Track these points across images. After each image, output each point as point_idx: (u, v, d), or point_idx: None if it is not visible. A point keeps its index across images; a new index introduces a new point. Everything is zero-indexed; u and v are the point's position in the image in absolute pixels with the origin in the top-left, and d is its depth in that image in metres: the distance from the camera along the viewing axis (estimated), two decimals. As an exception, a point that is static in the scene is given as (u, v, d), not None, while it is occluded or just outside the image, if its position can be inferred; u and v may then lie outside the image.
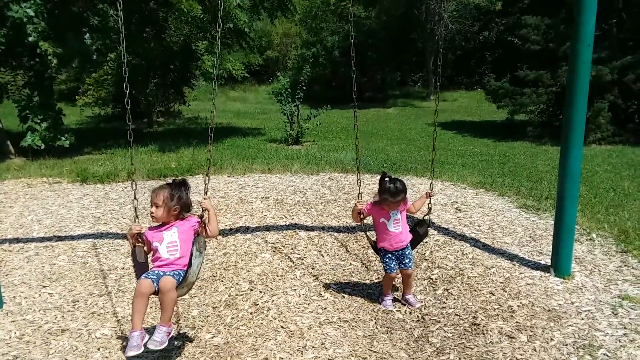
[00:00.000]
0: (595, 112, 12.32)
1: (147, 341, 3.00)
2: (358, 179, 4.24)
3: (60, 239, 5.38)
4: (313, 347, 3.39)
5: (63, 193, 7.13)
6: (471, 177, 7.97)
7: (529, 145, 13.05)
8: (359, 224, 4.13)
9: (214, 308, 4.05)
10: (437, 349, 3.50)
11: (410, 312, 4.03)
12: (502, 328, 3.64)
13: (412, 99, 26.41)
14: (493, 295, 4.09)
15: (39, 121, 10.37)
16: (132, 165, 3.76)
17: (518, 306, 3.90)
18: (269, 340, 3.49)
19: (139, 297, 2.98)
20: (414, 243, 4.12)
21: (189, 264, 3.09)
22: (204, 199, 3.20)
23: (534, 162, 10.08)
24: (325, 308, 3.93)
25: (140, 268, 3.21)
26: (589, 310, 3.81)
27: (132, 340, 2.95)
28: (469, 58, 28.92)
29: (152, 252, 3.19)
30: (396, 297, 4.23)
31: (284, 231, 5.41)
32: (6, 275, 4.59)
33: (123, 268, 4.72)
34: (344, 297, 4.18)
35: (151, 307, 3.85)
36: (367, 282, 4.52)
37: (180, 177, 3.34)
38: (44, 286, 4.39)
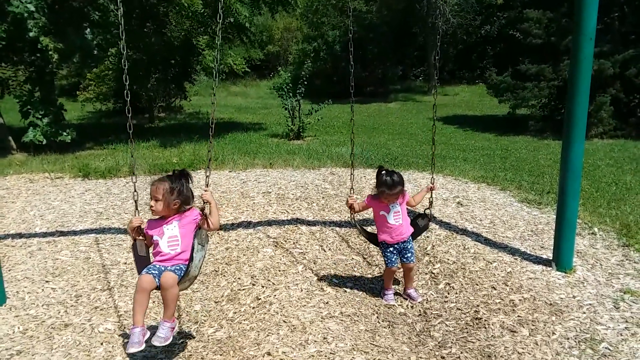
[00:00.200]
0: (597, 106, 12.29)
1: (151, 337, 2.99)
2: (351, 173, 4.30)
3: (62, 234, 5.40)
4: (315, 341, 3.41)
5: (65, 188, 7.14)
6: (473, 171, 7.96)
7: (531, 139, 13.03)
8: (355, 214, 4.15)
9: (216, 303, 4.06)
10: (439, 343, 3.51)
11: (412, 307, 4.04)
12: (503, 322, 3.65)
13: (413, 93, 26.34)
14: (495, 289, 4.10)
15: (40, 116, 10.36)
16: (131, 158, 3.71)
17: (520, 300, 3.90)
18: (271, 334, 3.51)
19: (140, 293, 2.95)
20: (414, 235, 4.13)
21: (191, 258, 3.04)
22: (205, 191, 3.16)
23: (536, 157, 10.07)
24: (327, 302, 3.94)
25: (142, 262, 3.17)
26: (590, 304, 3.82)
27: (134, 337, 2.93)
28: (471, 52, 28.81)
29: (152, 246, 3.16)
30: (398, 291, 4.24)
31: (286, 226, 5.42)
32: (9, 270, 4.61)
33: (125, 263, 4.73)
34: (345, 291, 4.19)
35: (153, 302, 3.87)
36: (369, 276, 4.53)
37: (180, 168, 3.29)
38: (46, 281, 4.40)
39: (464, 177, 7.50)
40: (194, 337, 3.59)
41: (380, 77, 26.08)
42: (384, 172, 3.88)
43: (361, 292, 4.21)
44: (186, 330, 3.70)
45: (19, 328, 3.69)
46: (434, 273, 4.50)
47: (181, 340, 3.55)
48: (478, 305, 3.89)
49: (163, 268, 3.02)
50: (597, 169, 8.67)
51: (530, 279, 4.23)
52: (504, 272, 4.35)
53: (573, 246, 4.41)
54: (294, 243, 5.04)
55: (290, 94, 12.87)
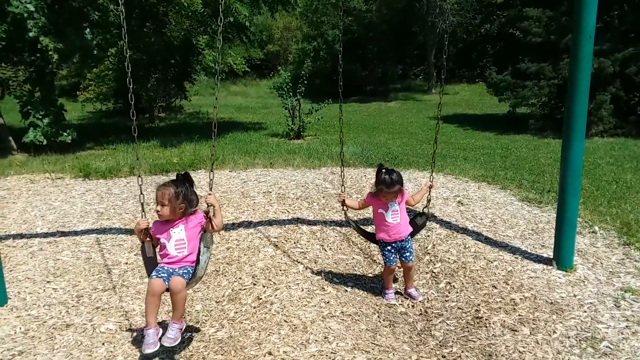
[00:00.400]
0: (597, 104, 12.30)
1: (161, 337, 3.10)
2: (342, 171, 4.39)
3: (63, 234, 5.40)
4: (316, 340, 3.41)
5: (66, 189, 7.15)
6: (473, 170, 7.96)
7: (531, 138, 13.04)
8: (347, 210, 4.24)
9: (217, 302, 4.07)
10: (439, 342, 3.52)
11: (412, 306, 4.04)
12: (504, 321, 3.65)
13: (413, 92, 26.35)
14: (495, 288, 4.10)
15: (40, 117, 10.37)
16: (137, 161, 3.83)
17: (520, 299, 3.91)
18: (272, 334, 3.51)
19: (151, 296, 3.07)
20: (412, 233, 4.14)
21: (197, 261, 3.16)
22: (209, 194, 3.24)
23: (536, 155, 10.08)
24: (328, 302, 3.94)
25: (150, 263, 3.28)
26: (591, 303, 3.82)
27: (149, 338, 3.05)
28: (471, 51, 28.80)
29: (159, 246, 3.25)
30: (399, 290, 4.24)
31: (287, 226, 5.42)
32: (10, 271, 4.61)
33: (127, 263, 4.74)
34: (346, 291, 4.20)
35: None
36: (370, 275, 4.54)
37: (182, 172, 3.38)
38: (48, 281, 4.41)
39: (465, 176, 7.50)
40: (195, 337, 3.60)
41: (380, 76, 26.10)
42: (383, 170, 3.89)
43: (362, 292, 4.22)
44: (187, 330, 3.70)
45: (20, 328, 3.69)
46: (434, 272, 4.50)
47: (182, 341, 3.55)
48: (479, 304, 3.90)
49: (171, 270, 3.13)
50: (597, 167, 8.68)
51: (531, 277, 4.23)
52: (505, 271, 4.35)
53: (574, 245, 4.41)
54: (294, 243, 5.04)
55: (291, 94, 12.87)
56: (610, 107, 12.55)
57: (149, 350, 3.02)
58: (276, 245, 4.96)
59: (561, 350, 3.29)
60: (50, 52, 9.76)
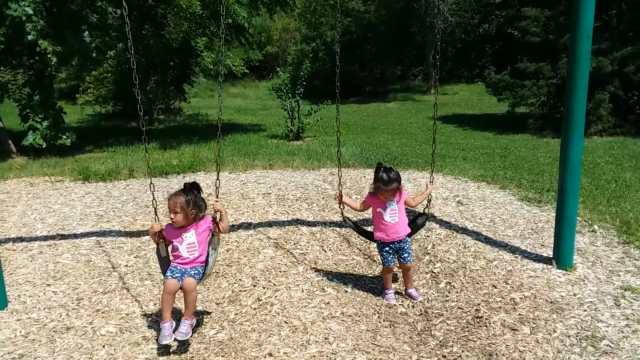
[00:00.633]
0: (596, 103, 12.30)
1: (174, 331, 3.38)
2: (339, 169, 4.51)
3: (63, 237, 5.40)
4: (316, 341, 3.41)
5: (65, 191, 7.15)
6: (472, 170, 7.97)
7: (530, 137, 13.04)
8: (343, 208, 4.33)
9: (217, 304, 4.07)
10: (440, 342, 3.52)
11: (413, 306, 4.05)
12: (504, 320, 3.65)
13: (412, 93, 26.34)
14: (495, 288, 4.10)
15: (39, 120, 10.37)
16: (148, 169, 4.19)
17: (520, 298, 3.91)
18: (272, 335, 3.51)
19: (167, 294, 3.40)
20: (410, 232, 4.14)
21: (206, 262, 3.52)
22: (216, 201, 3.60)
23: (535, 155, 10.08)
24: (328, 303, 3.94)
25: (164, 262, 3.60)
26: (591, 302, 3.82)
27: (164, 331, 3.36)
28: (469, 51, 28.80)
29: (172, 248, 3.55)
30: (399, 290, 4.25)
31: (286, 227, 5.42)
32: (10, 274, 4.61)
33: (126, 265, 4.74)
34: (346, 291, 4.20)
35: (154, 304, 3.87)
36: (370, 276, 4.54)
37: (191, 181, 3.65)
38: (48, 284, 4.40)
39: (464, 176, 7.50)
40: (196, 339, 3.60)
41: (379, 77, 26.11)
42: (381, 168, 3.92)
43: (362, 292, 4.22)
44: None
45: (20, 332, 3.69)
46: (434, 272, 4.50)
47: (182, 342, 3.55)
48: (479, 304, 3.90)
49: (184, 270, 3.46)
50: (596, 166, 8.68)
51: (531, 277, 4.23)
52: (505, 271, 4.35)
53: (573, 244, 4.41)
54: (294, 244, 5.04)
55: (289, 95, 12.86)
56: (609, 106, 12.55)
57: (164, 341, 3.33)
58: (276, 247, 4.96)
59: (561, 349, 3.29)
60: (49, 55, 9.76)
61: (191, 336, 3.46)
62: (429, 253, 4.84)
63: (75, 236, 5.42)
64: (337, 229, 5.43)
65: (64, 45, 10.02)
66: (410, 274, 4.17)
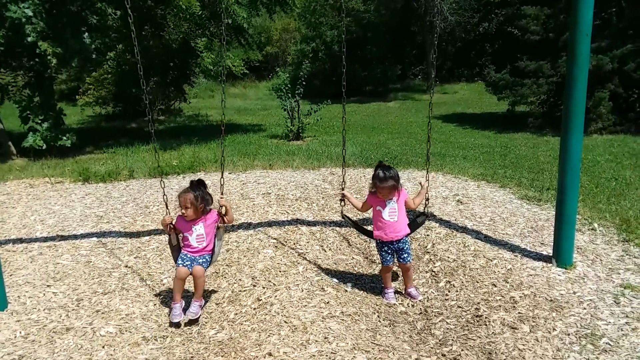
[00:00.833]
0: (596, 101, 12.28)
1: (185, 312, 3.80)
2: (342, 169, 4.51)
3: (63, 238, 5.41)
4: (316, 341, 3.41)
5: (65, 193, 7.16)
6: (472, 169, 7.96)
7: (530, 136, 13.02)
8: (344, 205, 4.41)
9: (217, 304, 4.07)
10: (439, 340, 3.52)
11: (412, 305, 4.05)
12: (504, 319, 3.65)
13: (412, 92, 26.31)
14: (495, 286, 4.10)
15: (40, 121, 10.38)
16: (158, 168, 4.46)
17: (520, 297, 3.91)
18: (272, 335, 3.51)
19: (178, 280, 3.82)
20: (410, 231, 4.14)
21: (213, 251, 3.96)
22: (221, 197, 3.95)
23: (535, 153, 10.07)
24: (328, 302, 3.94)
25: (175, 250, 4.00)
26: (591, 300, 3.82)
27: (175, 310, 3.78)
28: (469, 50, 28.79)
29: (182, 238, 3.96)
30: (398, 290, 4.25)
31: (286, 227, 5.42)
32: (10, 275, 4.61)
33: (126, 266, 4.74)
34: (346, 291, 4.20)
35: (154, 304, 3.86)
36: (370, 275, 4.54)
37: (197, 179, 4.00)
38: (48, 285, 4.41)
39: (464, 175, 7.50)
40: (196, 339, 3.60)
41: (379, 77, 26.04)
42: (380, 166, 3.94)
43: (362, 292, 4.22)
44: (187, 332, 3.71)
45: (20, 332, 3.69)
46: (434, 271, 4.50)
47: (182, 342, 3.56)
48: (479, 303, 3.90)
49: (193, 257, 3.88)
50: (596, 164, 8.67)
51: (531, 275, 4.23)
52: (504, 269, 4.35)
53: (573, 242, 4.41)
54: (294, 243, 5.04)
55: (289, 95, 12.85)
56: (609, 104, 12.53)
57: (176, 320, 3.75)
58: (276, 247, 4.96)
59: (561, 348, 3.29)
60: (49, 57, 9.76)
61: (199, 315, 3.83)
62: (428, 252, 4.84)
63: (75, 237, 5.43)
64: (337, 228, 5.43)
65: (63, 46, 10.01)
66: (410, 274, 4.17)
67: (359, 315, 3.80)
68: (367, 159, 8.61)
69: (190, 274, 3.86)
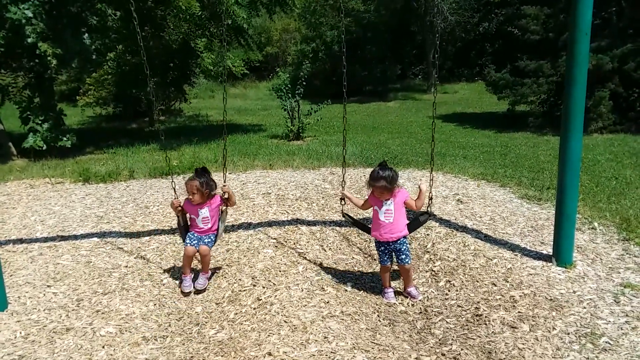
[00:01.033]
0: (596, 101, 12.27)
1: (194, 283, 4.29)
2: (342, 169, 4.58)
3: (63, 238, 5.41)
4: (316, 340, 3.41)
5: (65, 193, 7.16)
6: (472, 168, 7.96)
7: (531, 135, 13.02)
8: (345, 204, 4.53)
9: (217, 304, 4.07)
10: (439, 340, 3.52)
11: (412, 304, 4.05)
12: (504, 318, 3.65)
13: (412, 92, 26.29)
14: (495, 285, 4.10)
15: (40, 122, 10.39)
16: (167, 162, 5.05)
17: (520, 296, 3.91)
18: (272, 334, 3.51)
19: (186, 257, 4.27)
20: (411, 228, 4.14)
21: (217, 231, 4.40)
22: (224, 185, 4.38)
23: (536, 153, 10.07)
24: (327, 302, 3.94)
25: (183, 229, 4.42)
26: (591, 299, 3.82)
27: (185, 282, 4.28)
28: (469, 49, 28.77)
29: (189, 219, 4.39)
30: (398, 289, 4.24)
31: (286, 226, 5.43)
32: (10, 275, 4.62)
33: (126, 266, 4.74)
34: (346, 290, 4.20)
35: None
36: (370, 275, 4.54)
37: (201, 167, 4.43)
38: (48, 286, 4.41)
39: (464, 175, 7.50)
40: (196, 339, 3.60)
41: (379, 76, 26.03)
42: (379, 165, 3.96)
43: (362, 291, 4.22)
44: (187, 332, 3.71)
45: (20, 333, 3.70)
46: (434, 271, 4.50)
47: (182, 342, 3.56)
48: (478, 302, 3.90)
49: (200, 237, 4.31)
50: (596, 163, 8.67)
51: (531, 274, 4.23)
52: (504, 269, 4.35)
53: (573, 241, 4.41)
54: (294, 243, 5.04)
55: (290, 95, 12.85)
56: (610, 104, 12.52)
57: (186, 290, 4.23)
58: (276, 246, 4.97)
59: (561, 347, 3.29)
60: (49, 58, 9.75)
61: (207, 286, 4.31)
62: (428, 251, 4.84)
63: (76, 237, 5.43)
64: (337, 228, 5.43)
65: (63, 47, 10.01)
66: (410, 275, 4.15)
67: (358, 315, 3.80)
68: (367, 159, 8.61)
69: (197, 251, 4.28)
